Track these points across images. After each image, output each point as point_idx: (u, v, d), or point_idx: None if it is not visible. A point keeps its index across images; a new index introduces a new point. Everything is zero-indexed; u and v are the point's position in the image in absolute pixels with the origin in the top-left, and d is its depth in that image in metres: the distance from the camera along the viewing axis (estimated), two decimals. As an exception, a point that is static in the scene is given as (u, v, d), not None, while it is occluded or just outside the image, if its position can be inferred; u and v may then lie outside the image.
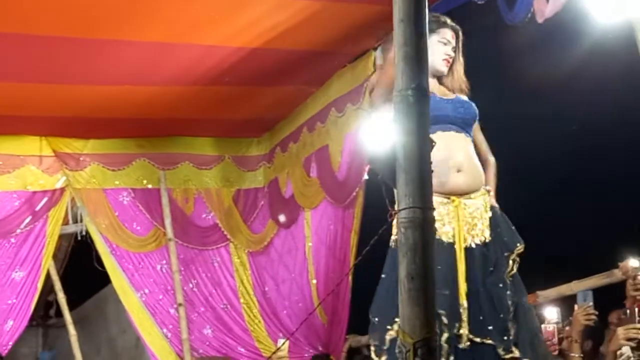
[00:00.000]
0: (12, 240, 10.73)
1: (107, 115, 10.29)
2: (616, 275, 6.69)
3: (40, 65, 8.90)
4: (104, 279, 11.25)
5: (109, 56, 8.78)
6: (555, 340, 6.35)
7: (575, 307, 6.30)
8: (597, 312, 6.23)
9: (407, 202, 2.97)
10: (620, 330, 5.79)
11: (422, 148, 3.01)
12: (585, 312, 6.17)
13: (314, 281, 10.39)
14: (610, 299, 6.32)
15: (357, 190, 9.49)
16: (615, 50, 6.68)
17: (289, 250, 11.04)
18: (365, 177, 9.21)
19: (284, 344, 8.66)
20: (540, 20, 6.84)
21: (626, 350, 5.76)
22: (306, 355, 9.93)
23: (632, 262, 6.23)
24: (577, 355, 6.12)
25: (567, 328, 6.63)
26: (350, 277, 9.57)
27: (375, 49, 9.29)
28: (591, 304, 6.20)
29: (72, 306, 11.51)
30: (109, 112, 10.17)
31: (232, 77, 9.44)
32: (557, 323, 6.89)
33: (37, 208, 10.82)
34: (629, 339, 5.78)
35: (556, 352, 6.37)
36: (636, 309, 5.82)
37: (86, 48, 8.53)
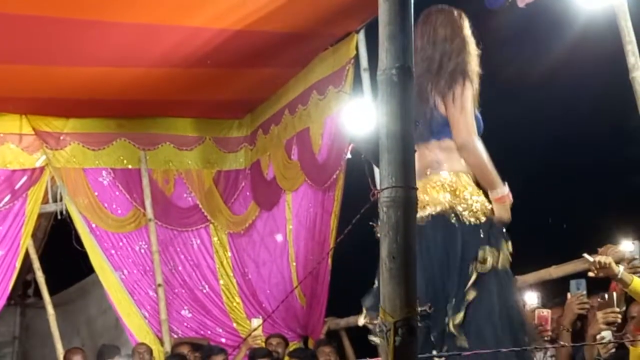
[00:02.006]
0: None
1: (89, 96, 10.25)
2: (595, 260, 6.70)
3: (22, 46, 8.85)
4: (85, 260, 11.19)
5: (92, 37, 8.74)
6: (549, 326, 6.36)
7: (568, 295, 6.31)
8: (590, 301, 6.24)
9: (389, 181, 2.97)
10: (600, 315, 5.81)
11: (405, 127, 3.00)
12: (579, 300, 6.19)
13: (294, 264, 10.41)
14: (600, 286, 6.33)
15: (338, 173, 9.50)
16: (598, 35, 6.70)
17: (271, 232, 11.05)
18: (348, 156, 9.22)
19: (259, 325, 8.67)
20: (521, 4, 6.84)
21: (607, 334, 5.78)
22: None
23: (626, 246, 6.23)
24: (565, 344, 6.13)
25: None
26: (329, 260, 9.59)
27: (357, 31, 9.31)
28: (584, 292, 6.21)
29: (51, 286, 11.47)
30: (91, 93, 10.13)
31: (215, 59, 9.43)
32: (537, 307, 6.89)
33: (17, 186, 10.77)
34: (609, 323, 5.80)
35: (548, 338, 6.37)
36: (614, 293, 5.85)
37: (69, 29, 8.50)
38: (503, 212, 4.98)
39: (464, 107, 5.02)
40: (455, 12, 5.30)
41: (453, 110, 5.03)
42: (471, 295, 4.79)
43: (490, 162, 5.01)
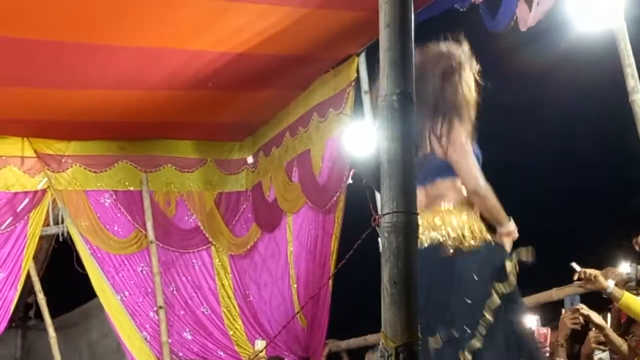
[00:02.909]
0: (-7, 241, 10.71)
1: (90, 118, 10.28)
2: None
3: (24, 69, 8.87)
4: (87, 283, 11.18)
5: (94, 61, 8.76)
6: (547, 343, 6.37)
7: (562, 311, 6.32)
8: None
9: (390, 206, 2.97)
10: (592, 334, 5.83)
11: (405, 153, 3.01)
12: (572, 315, 6.19)
13: (295, 285, 10.40)
14: (595, 304, 6.34)
15: (338, 195, 9.50)
16: (598, 58, 6.71)
17: (272, 254, 11.04)
18: (350, 181, 9.23)
19: (264, 348, 8.66)
20: (523, 28, 6.88)
21: (605, 356, 5.79)
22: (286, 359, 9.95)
23: (623, 268, 6.25)
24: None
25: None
26: (330, 283, 9.58)
27: (358, 54, 9.33)
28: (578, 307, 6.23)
29: (52, 309, 11.46)
30: (92, 115, 10.16)
31: (216, 82, 9.45)
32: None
33: (18, 209, 10.78)
34: (599, 343, 5.82)
35: (547, 354, 6.39)
36: (609, 315, 5.87)
37: (71, 52, 8.52)
38: (508, 246, 5.00)
39: (466, 152, 4.99)
40: (457, 55, 5.20)
41: (456, 157, 4.97)
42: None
43: (497, 203, 5.01)
